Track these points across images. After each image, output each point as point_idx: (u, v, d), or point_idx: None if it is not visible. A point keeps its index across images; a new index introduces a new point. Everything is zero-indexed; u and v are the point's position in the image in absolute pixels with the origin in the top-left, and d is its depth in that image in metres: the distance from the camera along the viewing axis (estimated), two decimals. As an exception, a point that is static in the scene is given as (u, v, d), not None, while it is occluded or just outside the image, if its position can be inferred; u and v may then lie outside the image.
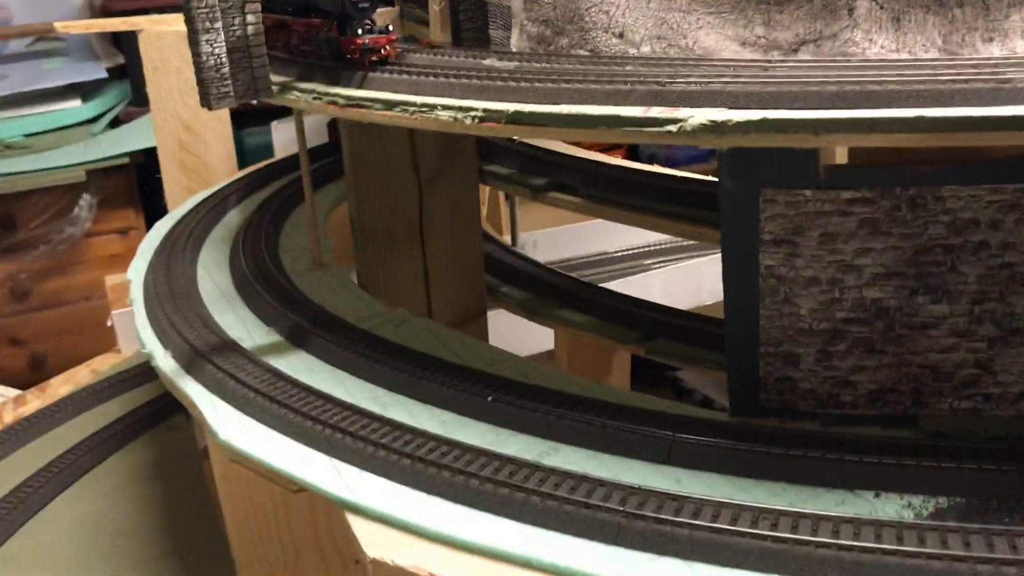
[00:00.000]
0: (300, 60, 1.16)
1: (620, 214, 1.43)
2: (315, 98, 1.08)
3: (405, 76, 1.03)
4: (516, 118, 0.90)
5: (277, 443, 0.96)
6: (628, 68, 1.00)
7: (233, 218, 1.73)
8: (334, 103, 1.05)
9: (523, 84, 0.94)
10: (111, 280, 2.36)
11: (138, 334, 1.28)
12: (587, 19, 1.13)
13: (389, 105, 1.00)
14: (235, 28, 1.08)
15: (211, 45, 1.06)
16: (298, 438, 0.96)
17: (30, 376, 3.14)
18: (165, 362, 1.18)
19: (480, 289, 1.46)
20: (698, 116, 0.81)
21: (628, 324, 1.37)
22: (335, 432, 0.94)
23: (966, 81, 0.79)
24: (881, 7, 0.99)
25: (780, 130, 0.79)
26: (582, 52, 1.13)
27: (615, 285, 2.06)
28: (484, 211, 1.97)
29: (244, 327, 1.25)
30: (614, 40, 1.11)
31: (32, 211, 3.18)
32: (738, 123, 0.79)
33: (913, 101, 0.78)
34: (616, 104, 0.88)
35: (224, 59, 1.08)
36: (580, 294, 1.46)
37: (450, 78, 0.99)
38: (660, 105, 0.86)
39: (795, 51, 1.03)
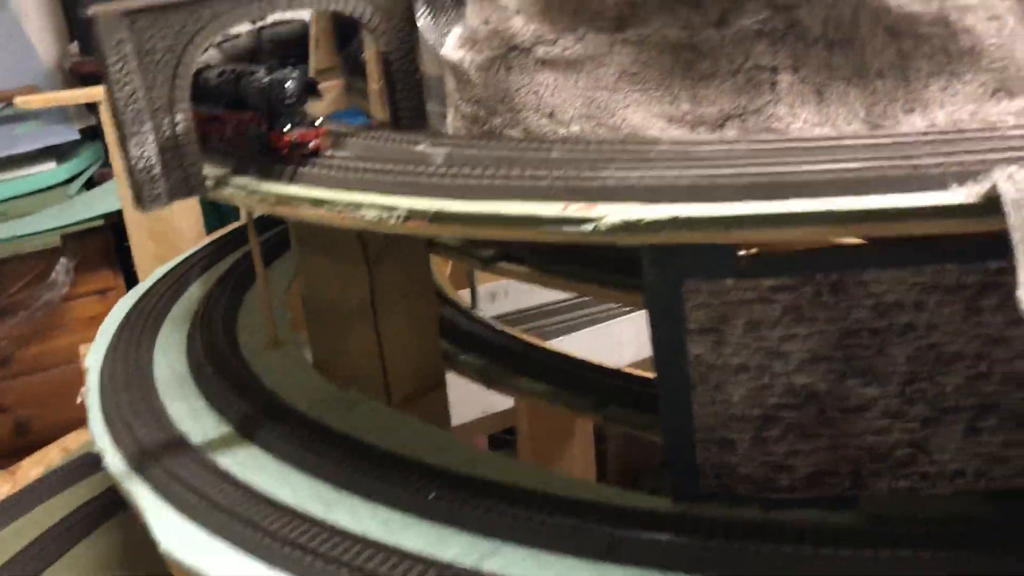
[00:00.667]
0: (236, 152, 1.16)
1: (567, 284, 1.43)
2: (247, 194, 1.08)
3: (333, 171, 1.03)
4: (439, 217, 0.89)
5: (219, 554, 0.95)
6: (554, 154, 1.00)
7: (195, 291, 1.73)
8: (265, 200, 1.05)
9: (447, 180, 0.94)
10: (84, 349, 2.35)
11: (91, 430, 1.27)
12: (517, 100, 1.12)
13: (317, 203, 0.99)
14: (164, 129, 1.08)
15: (140, 147, 1.06)
16: (240, 548, 0.95)
17: (16, 442, 3.13)
18: (114, 462, 1.17)
19: (437, 361, 1.46)
20: (611, 216, 0.80)
21: (583, 391, 1.37)
22: (275, 541, 0.93)
23: (879, 167, 0.78)
24: (803, 81, 0.99)
25: (691, 228, 0.78)
26: (514, 133, 1.13)
27: (586, 333, 2.05)
28: (449, 267, 1.97)
29: (196, 419, 1.25)
30: (544, 121, 1.11)
31: (9, 278, 3.18)
32: (650, 222, 0.79)
33: (826, 190, 0.78)
34: (538, 199, 0.87)
35: (155, 160, 1.07)
36: (536, 359, 1.45)
37: (377, 173, 0.99)
38: (579, 200, 0.85)
39: (721, 126, 1.03)
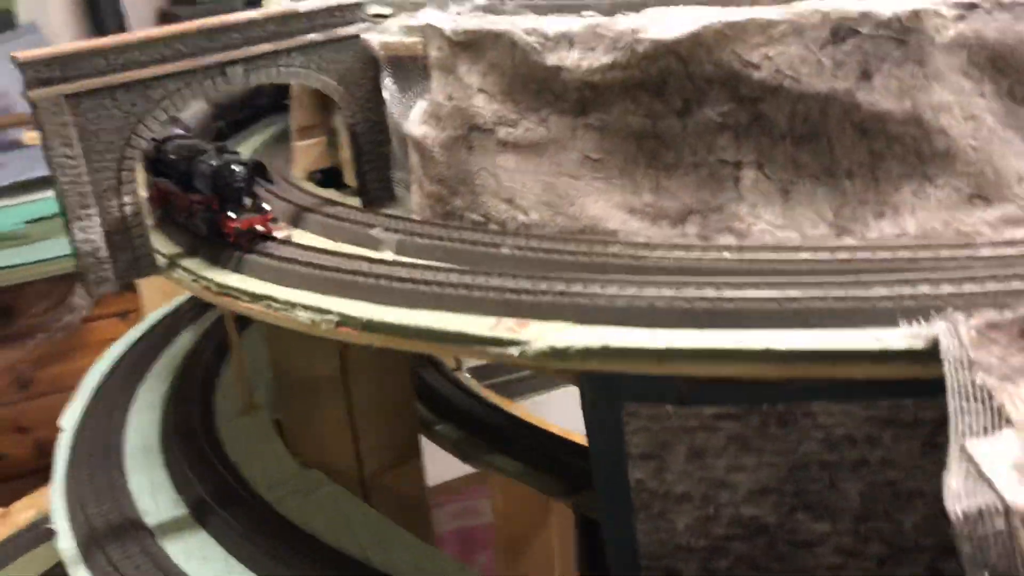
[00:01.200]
0: (191, 231, 1.12)
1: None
2: (193, 280, 1.05)
3: (277, 261, 0.99)
4: (370, 326, 0.85)
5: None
6: (503, 251, 0.95)
7: (184, 341, 1.71)
8: (208, 289, 1.02)
9: (384, 282, 0.89)
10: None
11: (51, 502, 1.25)
12: (477, 182, 1.08)
13: (255, 298, 0.96)
14: (113, 211, 1.05)
15: (85, 232, 1.04)
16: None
17: (37, 462, 3.15)
18: (65, 543, 1.14)
19: (411, 433, 1.41)
20: (539, 341, 0.75)
21: (556, 473, 1.31)
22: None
23: (828, 296, 0.72)
24: (768, 177, 0.93)
25: (622, 358, 0.73)
26: (475, 216, 1.08)
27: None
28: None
29: (154, 495, 1.22)
30: (503, 206, 1.06)
31: (31, 301, 3.20)
32: (579, 350, 0.74)
33: (766, 322, 0.72)
34: (470, 312, 0.83)
35: (100, 243, 1.05)
36: (513, 433, 1.40)
37: (319, 268, 0.95)
38: (511, 316, 0.81)
39: (682, 222, 0.97)
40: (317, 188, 1.30)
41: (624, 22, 0.96)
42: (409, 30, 1.14)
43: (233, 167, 1.02)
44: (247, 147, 1.51)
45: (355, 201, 1.22)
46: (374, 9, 1.22)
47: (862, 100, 0.88)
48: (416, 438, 1.43)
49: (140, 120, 1.04)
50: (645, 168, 0.99)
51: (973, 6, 0.86)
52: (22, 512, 1.91)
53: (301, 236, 1.11)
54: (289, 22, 1.11)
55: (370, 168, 1.21)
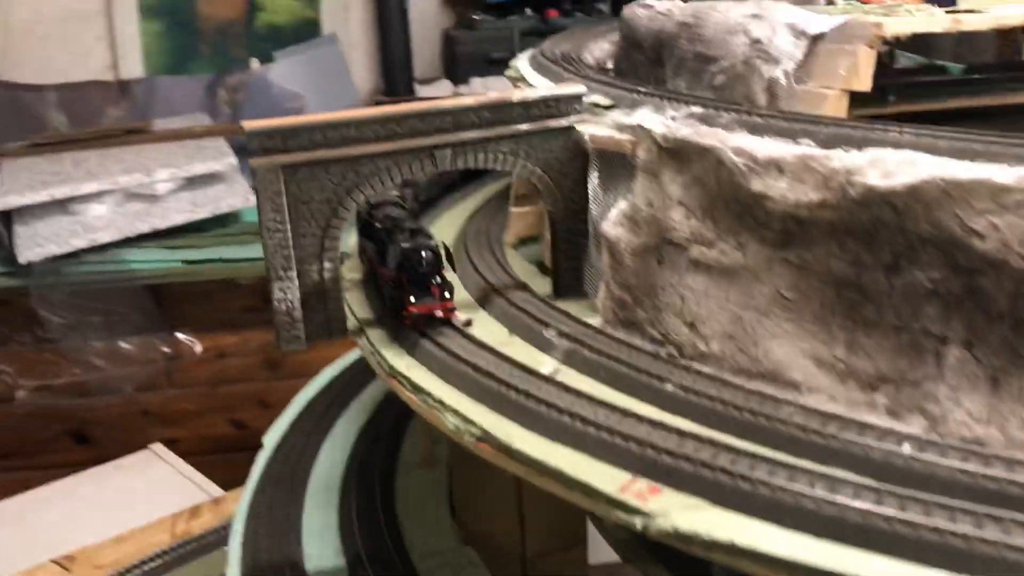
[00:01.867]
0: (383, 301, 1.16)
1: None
2: (371, 353, 1.07)
3: (442, 354, 0.99)
4: (507, 451, 0.83)
5: None
6: (667, 387, 0.90)
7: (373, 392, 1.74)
8: (380, 366, 1.04)
9: (531, 404, 0.87)
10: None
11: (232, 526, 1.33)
12: (662, 298, 1.03)
13: (416, 389, 0.96)
14: (312, 274, 1.10)
15: (283, 292, 1.09)
16: None
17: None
18: (232, 573, 1.21)
19: (579, 520, 1.38)
20: (663, 520, 0.70)
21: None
22: None
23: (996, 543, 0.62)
24: (976, 360, 0.81)
25: (748, 559, 0.66)
26: (654, 332, 1.03)
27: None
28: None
29: (320, 540, 1.27)
30: (684, 329, 1.00)
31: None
32: (704, 541, 0.68)
33: (926, 554, 0.63)
34: (608, 459, 0.79)
35: (296, 304, 1.10)
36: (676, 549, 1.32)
37: (473, 370, 0.94)
38: (646, 476, 0.76)
39: (873, 388, 0.87)
40: (515, 264, 1.30)
41: (839, 159, 0.88)
42: (622, 127, 1.11)
43: (422, 252, 1.04)
44: (462, 209, 1.54)
45: (547, 286, 1.21)
46: (594, 98, 1.19)
47: (1105, 294, 0.75)
48: (584, 526, 1.39)
49: (348, 193, 1.08)
50: (842, 319, 0.90)
51: None
52: (233, 503, 2.06)
53: (483, 321, 1.12)
54: (503, 110, 1.11)
55: (565, 257, 1.19)
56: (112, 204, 3.23)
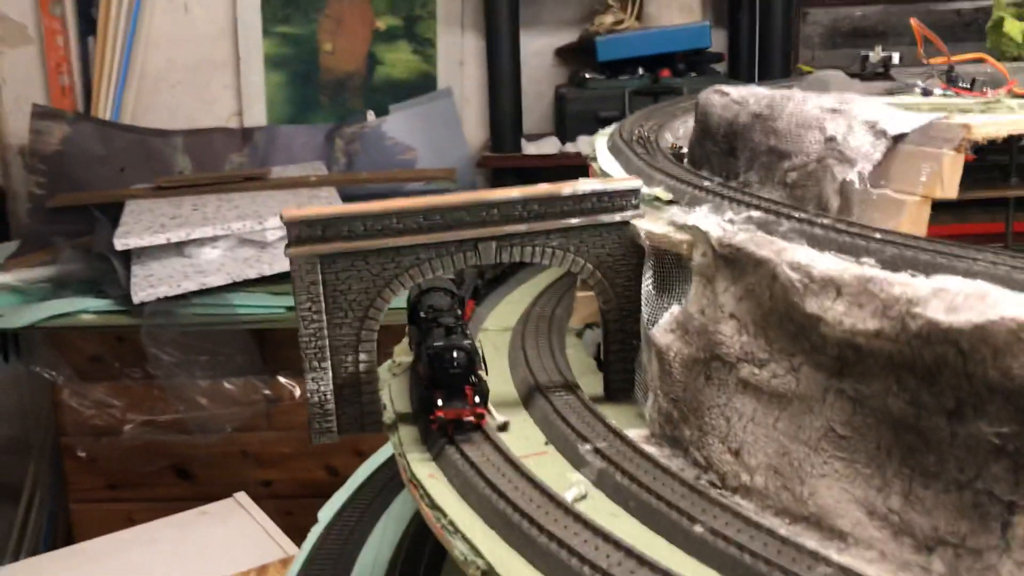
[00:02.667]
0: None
1: None
2: (398, 453, 1.03)
3: (464, 465, 0.93)
4: (501, 591, 0.77)
5: None
6: (696, 528, 0.81)
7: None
8: (404, 469, 0.99)
9: (543, 538, 0.80)
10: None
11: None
12: (707, 419, 0.94)
13: (431, 504, 0.91)
14: (348, 365, 1.07)
15: (317, 383, 1.06)
16: None
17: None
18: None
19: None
20: None
21: None
22: None
23: None
24: (1050, 534, 0.70)
25: None
26: (698, 455, 0.95)
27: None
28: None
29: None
30: (728, 456, 0.91)
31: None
32: None
33: None
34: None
35: (329, 396, 1.06)
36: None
37: (491, 491, 0.88)
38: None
39: (929, 550, 0.76)
40: (573, 355, 1.24)
41: (901, 286, 0.78)
42: (680, 225, 1.03)
43: (453, 353, 0.99)
44: (530, 287, 1.49)
45: (598, 385, 1.14)
46: (656, 191, 1.13)
47: None
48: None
49: (387, 284, 1.05)
50: (899, 465, 0.80)
51: None
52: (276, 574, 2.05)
53: (521, 425, 1.06)
54: (552, 204, 1.06)
55: (617, 359, 1.12)
56: (224, 249, 3.32)
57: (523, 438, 1.02)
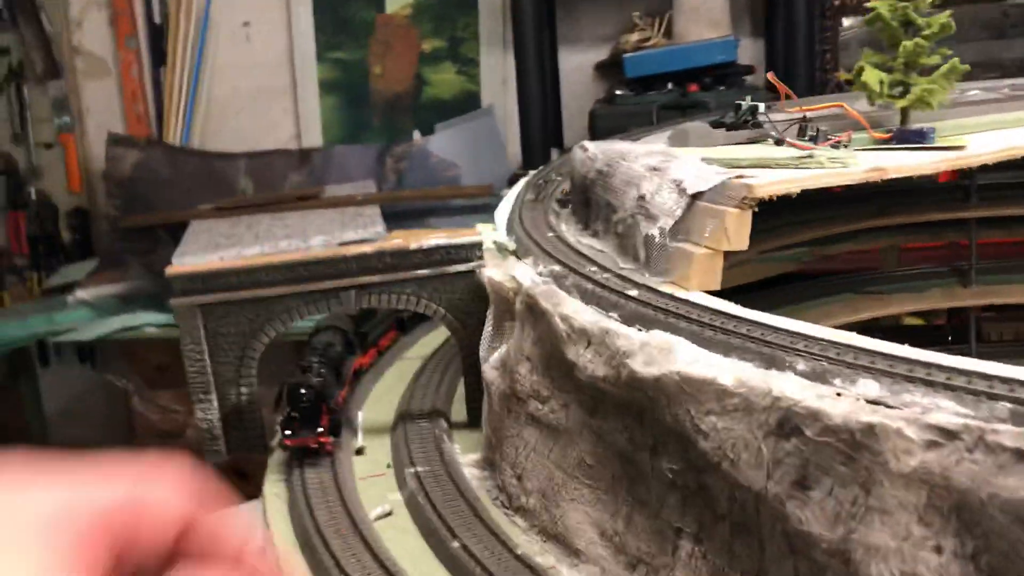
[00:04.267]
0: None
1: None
2: (270, 472, 1.20)
3: (301, 485, 1.10)
4: (288, 592, 0.93)
5: None
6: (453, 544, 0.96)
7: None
8: (261, 484, 1.16)
9: (324, 554, 0.96)
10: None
11: None
12: (504, 447, 1.08)
13: (264, 519, 1.08)
14: (231, 397, 1.25)
15: (205, 412, 1.24)
16: None
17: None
18: None
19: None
20: None
21: None
22: None
23: None
24: (704, 556, 0.82)
25: None
26: (498, 479, 1.09)
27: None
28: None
29: None
30: (514, 481, 1.05)
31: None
32: None
33: None
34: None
35: (216, 423, 1.25)
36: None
37: (309, 513, 1.04)
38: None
39: (633, 568, 0.89)
40: (457, 387, 1.38)
41: (624, 339, 0.91)
42: (510, 276, 1.17)
43: (301, 390, 1.15)
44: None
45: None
46: (503, 239, 1.26)
47: (791, 513, 0.74)
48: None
49: (260, 328, 1.22)
50: (625, 493, 0.93)
51: (952, 435, 0.68)
52: None
53: (376, 447, 1.21)
54: (404, 256, 1.21)
55: (471, 390, 1.27)
56: (271, 266, 3.56)
57: (371, 461, 1.18)
